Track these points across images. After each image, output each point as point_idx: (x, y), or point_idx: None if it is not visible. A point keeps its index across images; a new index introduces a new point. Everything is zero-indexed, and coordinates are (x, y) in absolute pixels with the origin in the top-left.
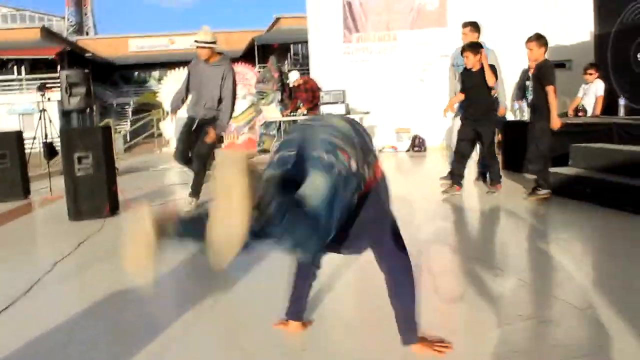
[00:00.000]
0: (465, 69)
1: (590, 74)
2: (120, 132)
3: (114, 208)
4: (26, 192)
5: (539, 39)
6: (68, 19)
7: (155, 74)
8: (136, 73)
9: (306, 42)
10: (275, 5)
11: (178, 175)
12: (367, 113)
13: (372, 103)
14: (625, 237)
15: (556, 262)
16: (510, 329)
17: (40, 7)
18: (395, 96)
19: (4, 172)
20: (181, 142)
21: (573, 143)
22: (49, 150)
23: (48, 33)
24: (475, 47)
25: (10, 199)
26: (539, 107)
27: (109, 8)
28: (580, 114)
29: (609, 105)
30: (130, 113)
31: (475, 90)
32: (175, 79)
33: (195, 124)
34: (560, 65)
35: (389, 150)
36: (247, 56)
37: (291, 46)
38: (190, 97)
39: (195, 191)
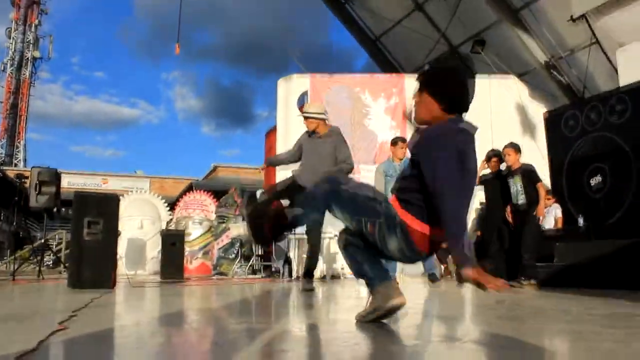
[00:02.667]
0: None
1: (549, 199)
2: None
3: (114, 281)
4: None
5: (514, 146)
6: None
7: None
8: (63, 209)
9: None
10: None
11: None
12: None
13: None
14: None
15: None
16: None
17: None
18: None
19: None
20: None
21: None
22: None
23: None
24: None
25: None
26: (533, 204)
27: (40, 148)
28: None
29: (567, 225)
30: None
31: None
32: (131, 202)
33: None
34: None
35: (350, 276)
36: None
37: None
38: (302, 165)
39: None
